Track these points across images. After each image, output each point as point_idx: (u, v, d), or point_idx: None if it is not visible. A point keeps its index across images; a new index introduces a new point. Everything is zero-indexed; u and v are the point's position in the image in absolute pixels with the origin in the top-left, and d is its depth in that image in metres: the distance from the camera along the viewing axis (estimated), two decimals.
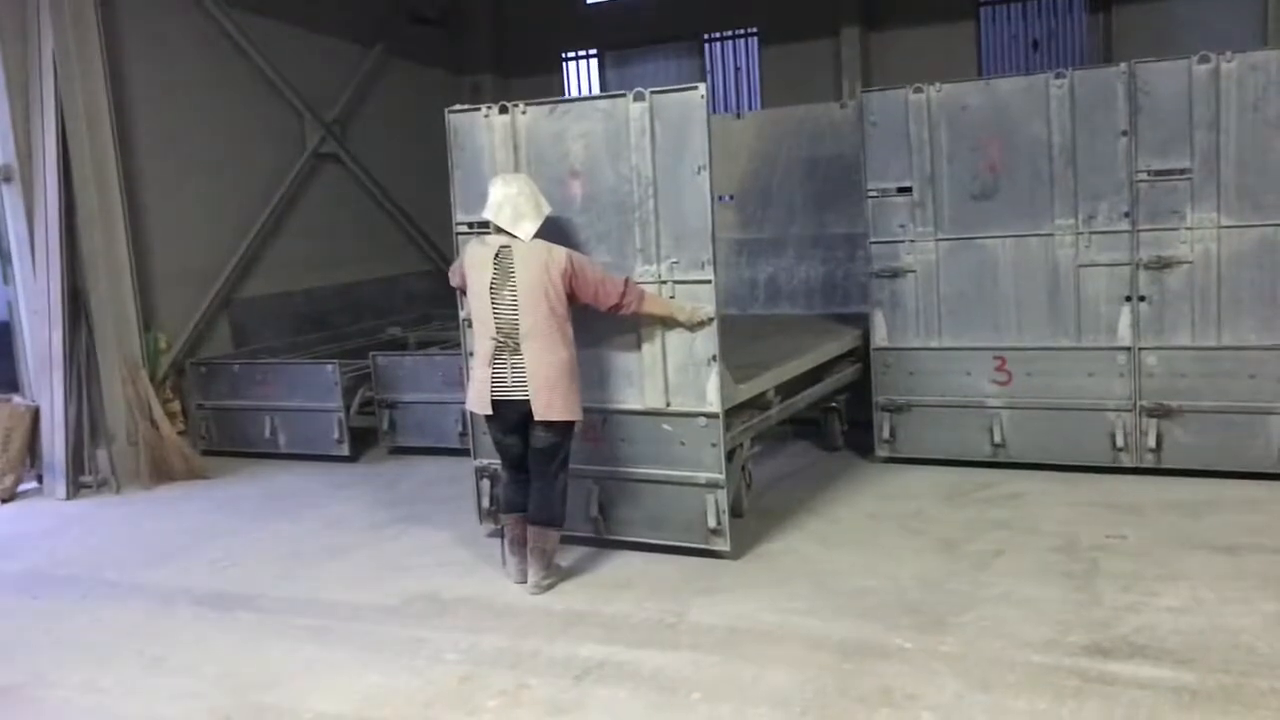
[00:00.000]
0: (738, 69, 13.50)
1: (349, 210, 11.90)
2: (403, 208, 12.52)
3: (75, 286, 8.46)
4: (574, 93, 14.09)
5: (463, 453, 7.50)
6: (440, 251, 12.57)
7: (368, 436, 9.16)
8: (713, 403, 5.79)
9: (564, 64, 14.40)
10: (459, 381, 6.99)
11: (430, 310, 11.88)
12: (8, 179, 8.44)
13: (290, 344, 10.34)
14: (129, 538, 7.25)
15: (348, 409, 8.85)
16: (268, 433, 9.09)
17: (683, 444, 5.89)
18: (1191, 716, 3.92)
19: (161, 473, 8.60)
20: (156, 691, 4.80)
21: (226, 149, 10.29)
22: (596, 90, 13.98)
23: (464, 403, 6.08)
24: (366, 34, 12.18)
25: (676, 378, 5.86)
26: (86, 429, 8.49)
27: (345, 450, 8.83)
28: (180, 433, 9.08)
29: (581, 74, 14.43)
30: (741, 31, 13.37)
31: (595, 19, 14.08)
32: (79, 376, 8.50)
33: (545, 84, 13.87)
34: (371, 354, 9.07)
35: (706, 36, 13.56)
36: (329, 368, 8.89)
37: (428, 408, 8.77)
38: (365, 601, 5.67)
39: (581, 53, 14.32)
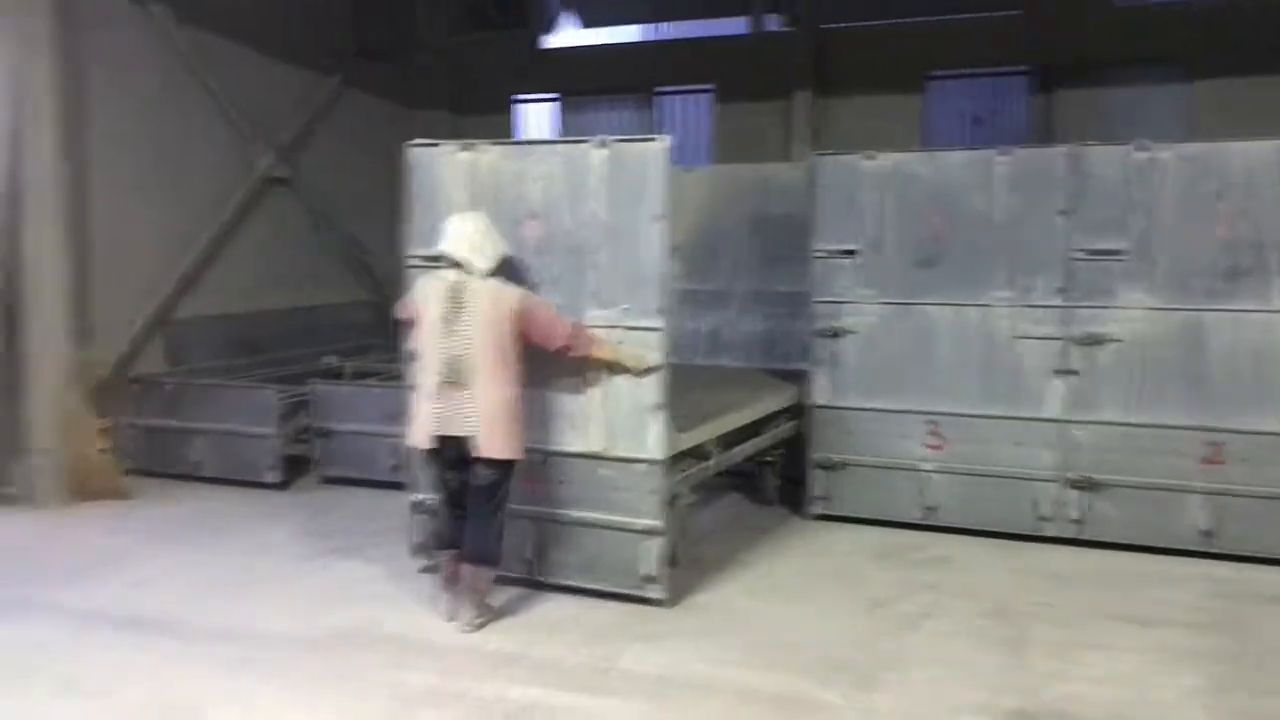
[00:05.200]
0: (689, 123, 13.70)
1: (294, 236, 11.76)
2: (348, 237, 12.43)
3: (8, 296, 8.25)
4: (525, 135, 14.16)
5: (395, 486, 7.44)
6: (383, 284, 12.49)
7: (298, 464, 9.03)
8: (654, 450, 5.83)
9: (517, 106, 14.47)
10: (395, 414, 6.94)
11: (368, 341, 11.77)
12: None
13: (225, 366, 10.16)
14: (45, 555, 7.04)
15: (282, 435, 8.72)
16: (197, 455, 8.92)
17: (622, 489, 5.91)
18: None
19: (83, 490, 8.37)
20: (69, 717, 4.66)
21: (174, 167, 10.14)
22: (548, 135, 14.07)
23: (398, 436, 6.03)
24: (322, 62, 12.13)
25: (620, 423, 5.89)
26: (7, 441, 8.26)
27: (277, 477, 8.70)
28: (107, 450, 8.85)
29: (535, 117, 14.50)
30: (696, 87, 13.59)
31: (550, 64, 14.20)
32: (4, 386, 8.27)
33: (498, 124, 13.92)
34: (311, 381, 8.96)
35: (659, 90, 13.76)
36: (266, 392, 8.77)
37: (362, 439, 8.68)
38: (290, 633, 5.57)
39: (537, 96, 14.42)
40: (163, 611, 5.92)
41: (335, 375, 10.28)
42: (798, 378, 8.16)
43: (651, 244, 5.75)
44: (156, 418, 9.14)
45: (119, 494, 8.49)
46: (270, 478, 8.69)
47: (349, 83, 12.54)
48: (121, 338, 9.54)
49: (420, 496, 6.38)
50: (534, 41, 14.25)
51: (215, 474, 8.90)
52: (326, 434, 8.81)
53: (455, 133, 12.88)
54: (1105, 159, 6.96)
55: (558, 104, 14.33)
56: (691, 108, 13.75)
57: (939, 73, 12.57)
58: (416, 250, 6.28)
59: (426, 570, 6.24)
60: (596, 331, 5.80)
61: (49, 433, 8.30)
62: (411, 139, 6.45)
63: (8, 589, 6.31)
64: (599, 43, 14.32)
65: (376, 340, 11.58)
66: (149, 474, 9.04)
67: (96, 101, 9.26)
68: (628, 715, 4.62)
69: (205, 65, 10.40)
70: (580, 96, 14.17)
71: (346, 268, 12.62)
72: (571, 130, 13.84)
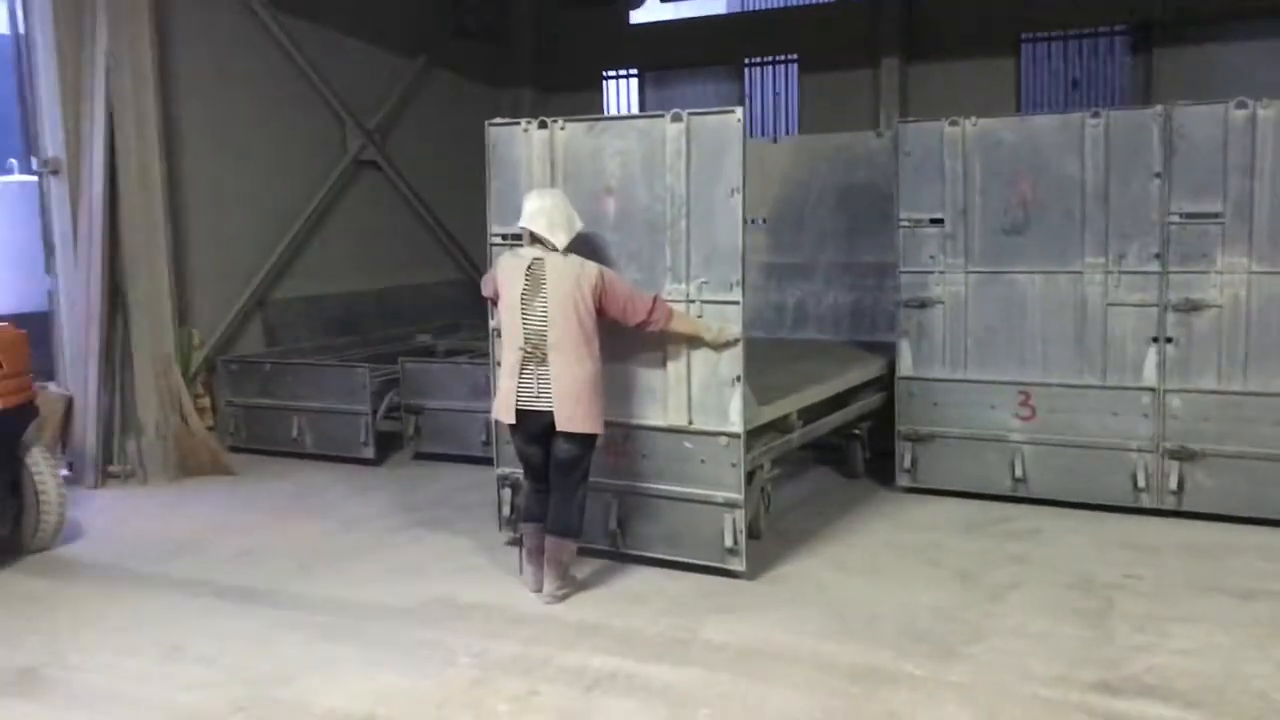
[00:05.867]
0: (776, 94, 13.61)
1: (385, 217, 12.03)
2: (438, 216, 12.65)
3: (115, 280, 8.59)
4: (613, 111, 14.20)
5: (485, 461, 7.57)
6: (473, 261, 12.68)
7: (392, 441, 9.25)
8: (735, 423, 5.84)
9: (604, 82, 14.52)
10: (485, 390, 7.08)
11: (460, 319, 11.97)
12: (55, 172, 8.61)
13: (321, 346, 10.46)
14: (153, 529, 7.35)
15: (374, 413, 8.95)
16: (295, 432, 9.20)
17: (703, 462, 5.94)
18: None
19: (188, 467, 8.72)
20: (174, 680, 4.88)
21: (269, 151, 10.44)
22: (635, 109, 14.10)
23: (489, 412, 6.16)
24: (411, 43, 12.33)
25: (700, 396, 5.91)
26: (117, 420, 8.63)
27: (370, 453, 8.93)
28: (209, 428, 9.20)
29: (621, 92, 14.54)
30: (782, 58, 13.47)
31: (637, 39, 14.20)
32: (113, 368, 8.63)
33: (585, 101, 13.98)
34: (400, 359, 9.17)
35: (747, 61, 13.67)
36: (359, 371, 9.00)
37: (453, 415, 8.84)
38: (382, 602, 5.75)
39: (622, 72, 14.44)
40: (262, 582, 6.15)
41: (428, 353, 10.48)
42: (885, 349, 8.08)
43: (729, 217, 5.73)
44: (256, 396, 9.44)
45: (223, 470, 8.81)
46: (365, 454, 8.93)
47: (436, 62, 12.71)
48: (222, 318, 9.89)
49: (506, 471, 6.50)
50: (622, 17, 14.26)
51: (314, 450, 9.17)
52: (418, 411, 8.99)
53: (543, 110, 13.00)
54: (1202, 119, 6.71)
55: (645, 78, 14.33)
56: (779, 78, 13.65)
57: (1033, 34, 12.23)
58: (497, 228, 6.38)
59: (513, 543, 6.36)
60: (675, 305, 5.82)
61: (156, 412, 8.64)
62: (500, 117, 6.53)
63: (119, 561, 6.63)
64: (686, 16, 14.27)
65: (469, 318, 11.78)
66: (251, 451, 9.38)
67: (194, 86, 9.57)
68: (708, 685, 4.66)
69: (300, 49, 10.65)
70: (669, 70, 14.16)
71: (438, 246, 12.85)
72: (661, 104, 13.82)
